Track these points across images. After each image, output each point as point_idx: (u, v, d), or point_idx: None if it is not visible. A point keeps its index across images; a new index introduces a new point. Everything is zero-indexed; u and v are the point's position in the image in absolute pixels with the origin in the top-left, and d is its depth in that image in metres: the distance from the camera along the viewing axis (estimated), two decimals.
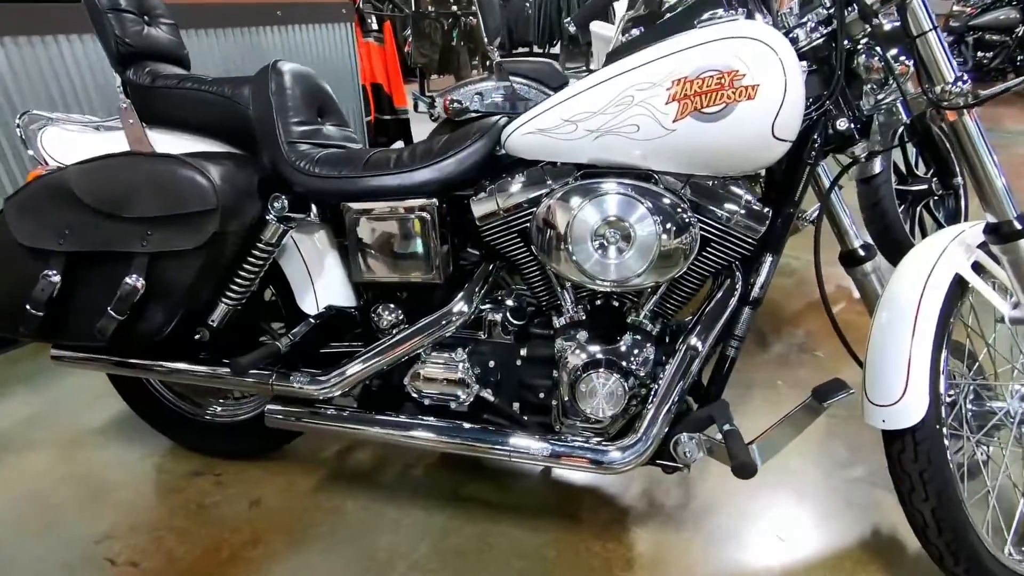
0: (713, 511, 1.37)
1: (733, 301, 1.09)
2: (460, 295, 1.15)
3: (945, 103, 0.98)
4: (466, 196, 1.14)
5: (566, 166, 1.07)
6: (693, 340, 1.06)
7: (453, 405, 1.18)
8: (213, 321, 1.23)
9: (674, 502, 1.41)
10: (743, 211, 1.04)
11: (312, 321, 1.22)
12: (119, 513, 1.39)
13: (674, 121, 0.94)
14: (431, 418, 1.15)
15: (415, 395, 1.19)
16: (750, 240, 1.05)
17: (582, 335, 1.11)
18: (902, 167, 2.59)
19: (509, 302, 1.20)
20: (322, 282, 1.26)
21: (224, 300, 1.21)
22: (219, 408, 1.52)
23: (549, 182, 1.07)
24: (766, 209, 1.05)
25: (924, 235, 2.60)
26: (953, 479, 1.03)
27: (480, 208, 1.12)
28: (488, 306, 1.20)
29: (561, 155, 1.04)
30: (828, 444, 1.54)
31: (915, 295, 1.06)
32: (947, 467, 1.02)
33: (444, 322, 1.14)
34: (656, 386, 1.07)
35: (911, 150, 2.58)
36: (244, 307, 1.26)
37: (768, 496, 1.40)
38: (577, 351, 1.10)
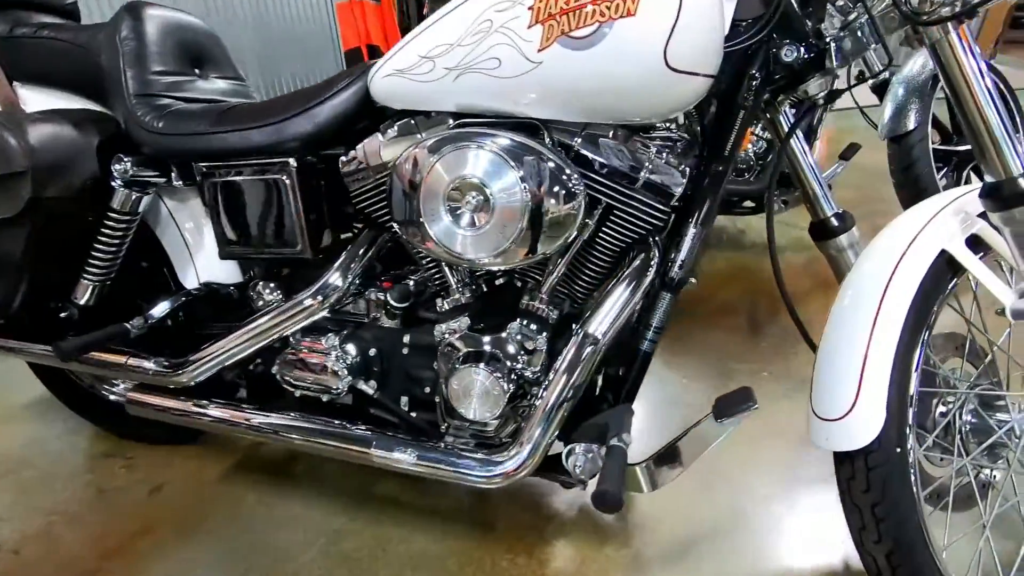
0: (648, 525, 1.18)
1: (645, 283, 0.87)
2: (330, 272, 0.99)
3: (924, 16, 0.72)
4: (338, 155, 0.97)
5: (441, 115, 0.88)
6: (591, 329, 0.86)
7: (325, 398, 1.03)
8: (78, 298, 1.12)
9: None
10: (651, 170, 0.82)
11: (181, 299, 1.10)
12: (20, 494, 1.33)
13: (539, 51, 0.73)
14: (291, 414, 1.01)
15: (287, 386, 1.04)
16: (662, 207, 0.83)
17: (463, 321, 0.93)
18: (946, 124, 2.21)
19: (392, 281, 1.02)
20: (202, 256, 1.12)
21: (86, 275, 1.10)
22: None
23: (419, 137, 0.88)
24: (683, 167, 0.83)
25: None
26: (916, 516, 0.79)
27: (348, 169, 0.95)
28: (374, 286, 1.04)
29: (425, 101, 0.85)
30: (796, 449, 1.30)
31: (883, 276, 0.82)
32: (910, 501, 0.79)
33: (309, 303, 0.98)
34: (545, 386, 0.88)
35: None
36: (121, 283, 1.15)
37: (714, 509, 1.19)
38: (454, 341, 0.92)
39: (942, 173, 2.17)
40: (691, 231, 0.87)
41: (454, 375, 0.89)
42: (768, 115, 0.97)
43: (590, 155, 0.83)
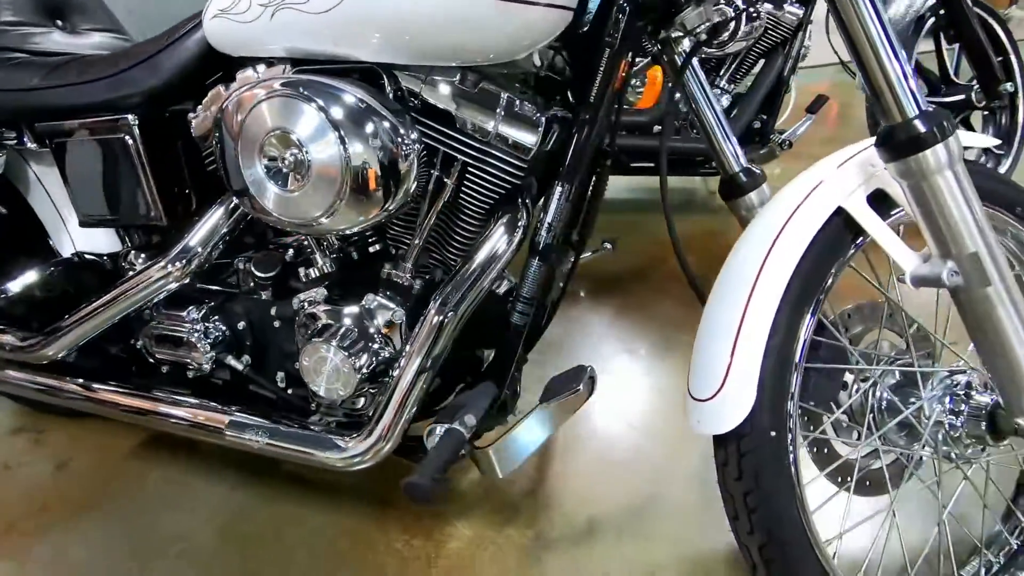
0: (556, 506, 1.12)
1: (510, 248, 0.78)
2: (189, 237, 0.91)
3: None
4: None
5: (281, 62, 0.79)
6: (446, 299, 0.77)
7: (191, 374, 0.97)
8: None
9: (517, 489, 1.16)
10: (502, 121, 0.72)
11: (49, 269, 1.03)
12: None
13: None
14: (148, 391, 0.95)
15: (154, 361, 0.98)
16: (517, 163, 0.74)
17: (320, 292, 0.85)
18: (936, 73, 2.03)
19: (261, 249, 0.95)
20: (75, 224, 1.06)
21: None
22: None
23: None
24: (538, 117, 0.73)
25: None
26: (794, 508, 0.71)
27: (196, 125, 0.86)
28: (243, 254, 0.96)
29: (252, 45, 0.75)
30: None
31: (768, 238, 0.72)
32: (787, 491, 0.71)
33: (167, 270, 0.91)
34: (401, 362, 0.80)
35: (950, 53, 2.01)
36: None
37: (629, 491, 1.12)
38: (307, 313, 0.85)
39: None
40: (557, 190, 0.77)
41: (304, 350, 0.82)
42: (666, 57, 0.86)
43: (438, 105, 0.73)
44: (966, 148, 0.82)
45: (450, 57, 0.70)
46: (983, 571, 0.87)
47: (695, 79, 0.86)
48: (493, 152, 0.74)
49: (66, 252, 1.07)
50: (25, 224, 1.09)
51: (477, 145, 0.74)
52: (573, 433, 1.30)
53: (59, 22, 1.05)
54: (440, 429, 0.80)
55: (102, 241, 1.08)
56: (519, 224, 0.79)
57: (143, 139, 0.87)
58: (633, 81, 1.75)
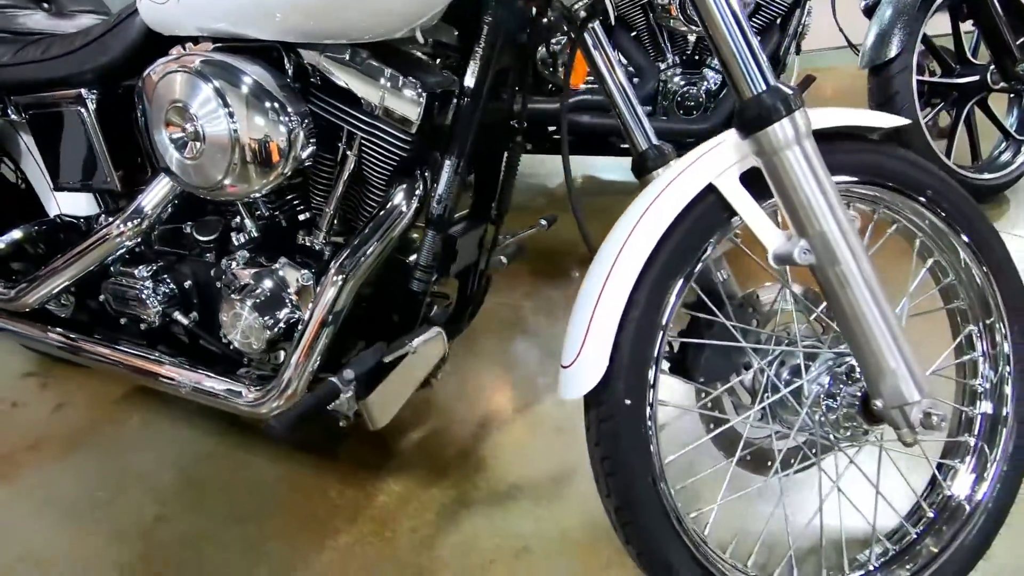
0: (487, 468, 1.17)
1: (405, 216, 0.83)
2: (138, 200, 1.00)
3: None
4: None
5: (205, 41, 0.85)
6: (343, 264, 0.83)
7: (142, 326, 1.07)
8: None
9: (452, 453, 1.22)
10: (386, 95, 0.77)
11: (32, 229, 1.16)
12: None
13: None
14: (103, 341, 1.06)
15: (113, 314, 1.09)
16: (403, 136, 0.78)
17: (242, 255, 0.93)
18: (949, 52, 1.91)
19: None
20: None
21: None
22: None
23: None
24: (419, 91, 0.76)
25: (974, 147, 1.95)
26: (649, 476, 0.73)
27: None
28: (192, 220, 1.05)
29: (171, 26, 0.82)
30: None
31: (639, 210, 0.74)
32: (643, 459, 0.73)
33: (119, 230, 1.00)
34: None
35: (968, 36, 1.89)
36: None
37: (560, 460, 1.16)
38: (232, 274, 0.92)
39: (936, 110, 1.91)
40: (446, 163, 0.81)
41: (222, 307, 0.90)
42: (568, 28, 0.87)
43: (332, 81, 0.79)
44: (875, 128, 0.81)
45: (340, 35, 0.75)
46: (874, 558, 0.87)
47: (601, 52, 0.86)
48: (380, 126, 0.78)
49: (52, 214, 1.19)
50: (20, 189, 1.22)
51: (366, 119, 0.78)
52: (513, 404, 1.35)
53: (45, 4, 1.16)
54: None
55: (83, 205, 1.19)
56: (415, 194, 0.83)
57: (98, 112, 0.96)
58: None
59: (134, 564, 1.03)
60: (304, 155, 0.78)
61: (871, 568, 0.86)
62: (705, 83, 1.85)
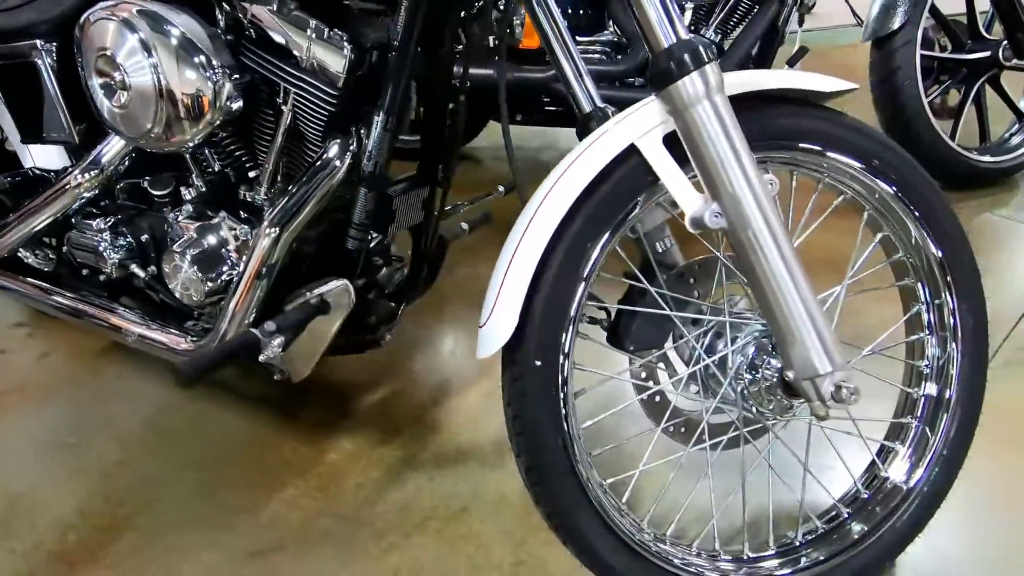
0: (438, 431, 1.19)
1: (337, 172, 0.83)
2: (96, 152, 1.02)
3: None
4: None
5: None
6: (275, 219, 0.84)
7: (101, 277, 1.09)
8: None
9: (405, 415, 1.24)
10: (314, 47, 0.76)
11: (3, 181, 1.19)
12: None
13: None
14: (65, 291, 1.09)
15: (76, 264, 1.12)
16: (330, 90, 0.78)
17: (187, 209, 0.94)
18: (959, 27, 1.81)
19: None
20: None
21: None
22: None
23: None
24: (345, 45, 0.76)
25: (983, 128, 1.86)
26: (560, 439, 0.73)
27: None
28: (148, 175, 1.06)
29: None
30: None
31: (561, 170, 0.73)
32: (552, 421, 0.73)
33: (76, 181, 1.02)
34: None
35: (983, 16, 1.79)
36: None
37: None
38: (178, 227, 0.94)
39: (943, 87, 1.82)
40: (375, 120, 0.80)
41: (164, 259, 0.92)
42: None
43: (261, 33, 0.78)
44: (830, 92, 0.78)
45: None
46: (800, 535, 0.85)
47: (543, 9, 0.84)
48: (308, 79, 0.78)
49: (27, 166, 1.22)
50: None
51: (295, 72, 0.78)
52: (471, 371, 1.35)
53: None
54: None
55: (55, 159, 1.22)
56: (349, 150, 0.83)
57: (54, 64, 0.98)
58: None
59: (91, 500, 1.08)
60: (233, 107, 0.79)
61: (796, 544, 0.85)
62: (707, 34, 1.79)
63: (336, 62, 0.77)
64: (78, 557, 0.99)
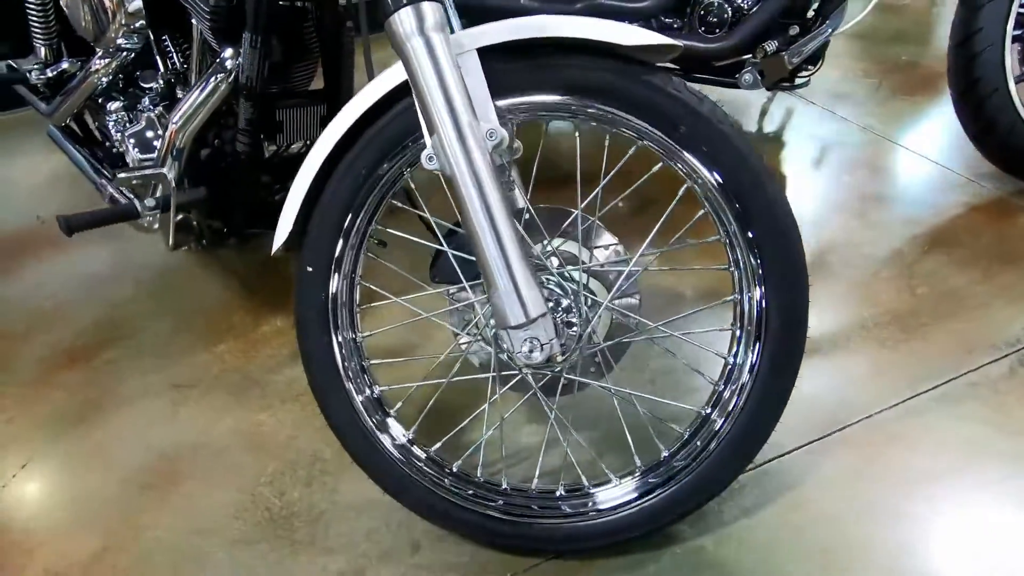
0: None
1: (225, 78, 0.97)
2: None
3: None
4: None
5: None
6: (169, 114, 1.02)
7: (113, 150, 1.36)
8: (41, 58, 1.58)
9: None
10: None
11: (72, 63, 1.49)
12: None
13: None
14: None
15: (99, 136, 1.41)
16: (209, 10, 0.90)
17: (145, 101, 1.15)
18: None
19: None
20: None
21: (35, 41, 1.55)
22: None
23: None
24: None
25: None
26: (325, 338, 0.83)
27: None
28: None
29: None
30: None
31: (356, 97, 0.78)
32: (321, 322, 0.83)
33: (93, 68, 1.27)
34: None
35: None
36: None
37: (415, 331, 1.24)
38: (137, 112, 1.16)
39: None
40: (244, 37, 0.91)
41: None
42: None
43: None
44: (632, 46, 0.72)
45: None
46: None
47: None
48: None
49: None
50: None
51: None
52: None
53: None
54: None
55: None
56: (226, 65, 0.96)
57: None
58: None
59: (63, 339, 1.39)
60: (130, 8, 0.95)
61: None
62: None
63: None
64: (78, 356, 1.34)
